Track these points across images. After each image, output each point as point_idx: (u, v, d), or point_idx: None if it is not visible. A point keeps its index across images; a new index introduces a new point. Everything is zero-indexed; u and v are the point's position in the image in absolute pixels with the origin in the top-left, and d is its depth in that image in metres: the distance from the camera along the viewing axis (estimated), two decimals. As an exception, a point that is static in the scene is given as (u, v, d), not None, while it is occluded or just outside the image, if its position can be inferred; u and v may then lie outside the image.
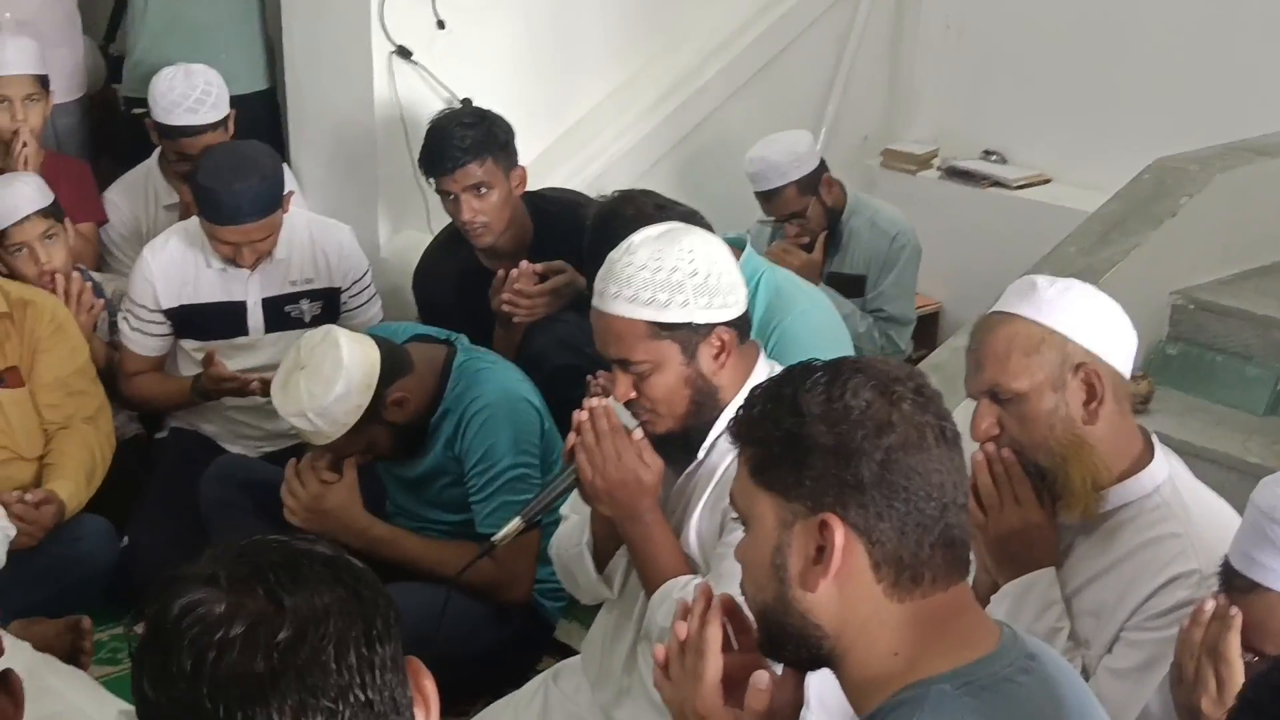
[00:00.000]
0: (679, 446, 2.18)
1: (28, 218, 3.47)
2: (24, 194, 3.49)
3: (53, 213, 3.53)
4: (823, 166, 4.13)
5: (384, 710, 1.05)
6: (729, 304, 2.13)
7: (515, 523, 2.24)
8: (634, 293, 2.08)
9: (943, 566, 1.37)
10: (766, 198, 4.11)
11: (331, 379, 2.70)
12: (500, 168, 3.45)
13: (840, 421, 1.35)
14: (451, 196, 3.44)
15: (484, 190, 3.42)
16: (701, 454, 2.17)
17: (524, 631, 2.99)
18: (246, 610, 1.03)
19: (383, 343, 2.84)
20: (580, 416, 2.17)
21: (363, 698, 1.04)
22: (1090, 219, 3.69)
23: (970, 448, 1.91)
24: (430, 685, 1.13)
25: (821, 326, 3.04)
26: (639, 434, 2.16)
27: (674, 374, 2.11)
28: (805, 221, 4.08)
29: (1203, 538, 1.91)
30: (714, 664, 1.51)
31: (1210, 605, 1.72)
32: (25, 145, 3.79)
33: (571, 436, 2.18)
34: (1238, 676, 1.69)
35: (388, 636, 1.07)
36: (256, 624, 1.03)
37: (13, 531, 2.87)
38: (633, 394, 2.14)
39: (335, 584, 1.07)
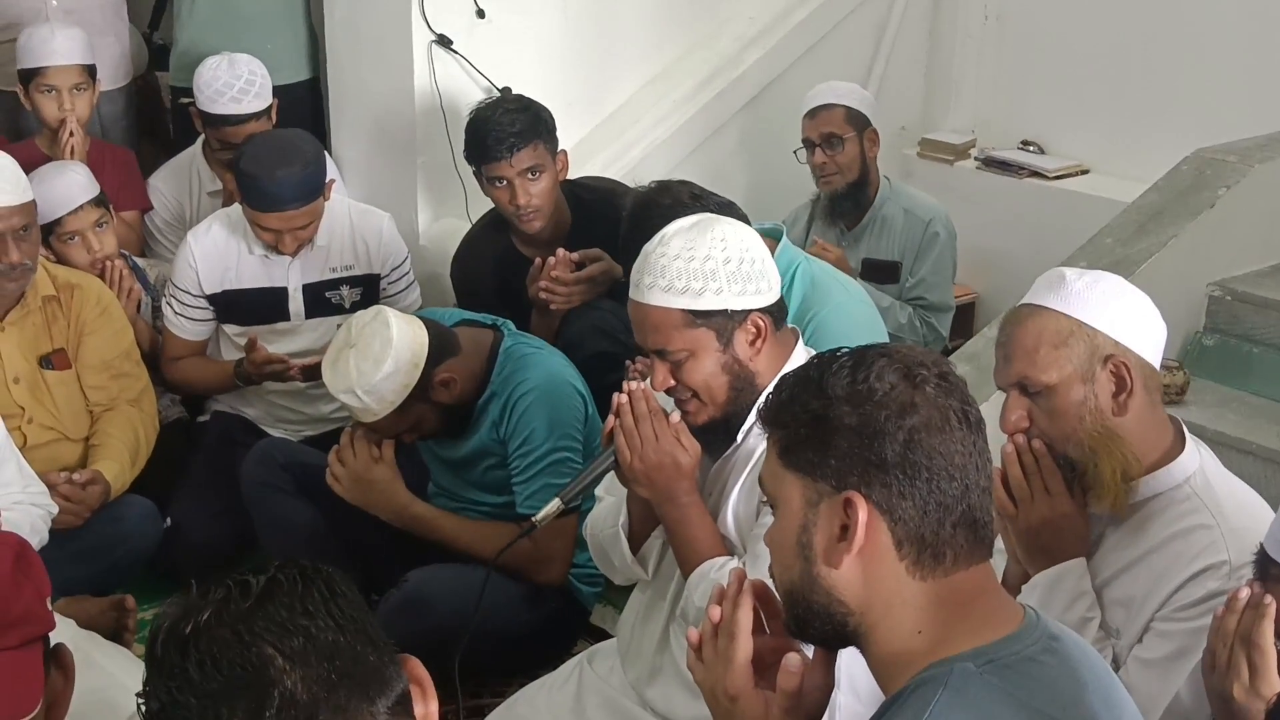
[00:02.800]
0: (718, 432, 2.21)
1: (81, 207, 3.53)
2: (76, 183, 3.55)
3: (102, 202, 3.60)
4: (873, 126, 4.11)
5: (365, 654, 1.15)
6: (763, 290, 2.16)
7: (555, 504, 2.28)
8: (669, 282, 2.12)
9: (965, 546, 1.39)
10: (813, 114, 4.06)
11: (380, 357, 2.75)
12: (548, 151, 3.49)
13: (864, 402, 1.38)
14: (504, 183, 3.45)
15: (536, 174, 3.45)
16: (739, 438, 2.20)
17: (559, 615, 3.02)
18: (211, 598, 1.16)
19: (431, 324, 2.89)
20: (619, 399, 2.21)
21: (344, 639, 1.14)
22: (1128, 210, 3.68)
23: (999, 440, 1.93)
24: (423, 672, 1.21)
25: (858, 318, 3.06)
26: (677, 417, 2.19)
27: (711, 361, 2.14)
28: (838, 152, 4.03)
29: (1233, 528, 1.92)
30: (744, 646, 1.54)
31: (1244, 593, 1.73)
32: (72, 134, 3.84)
33: (610, 419, 2.22)
34: (1270, 664, 1.70)
35: (355, 600, 1.19)
36: (224, 600, 1.15)
37: (55, 509, 2.93)
38: (671, 382, 2.17)
39: (290, 567, 1.19)
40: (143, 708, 1.15)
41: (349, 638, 1.14)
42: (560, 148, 3.55)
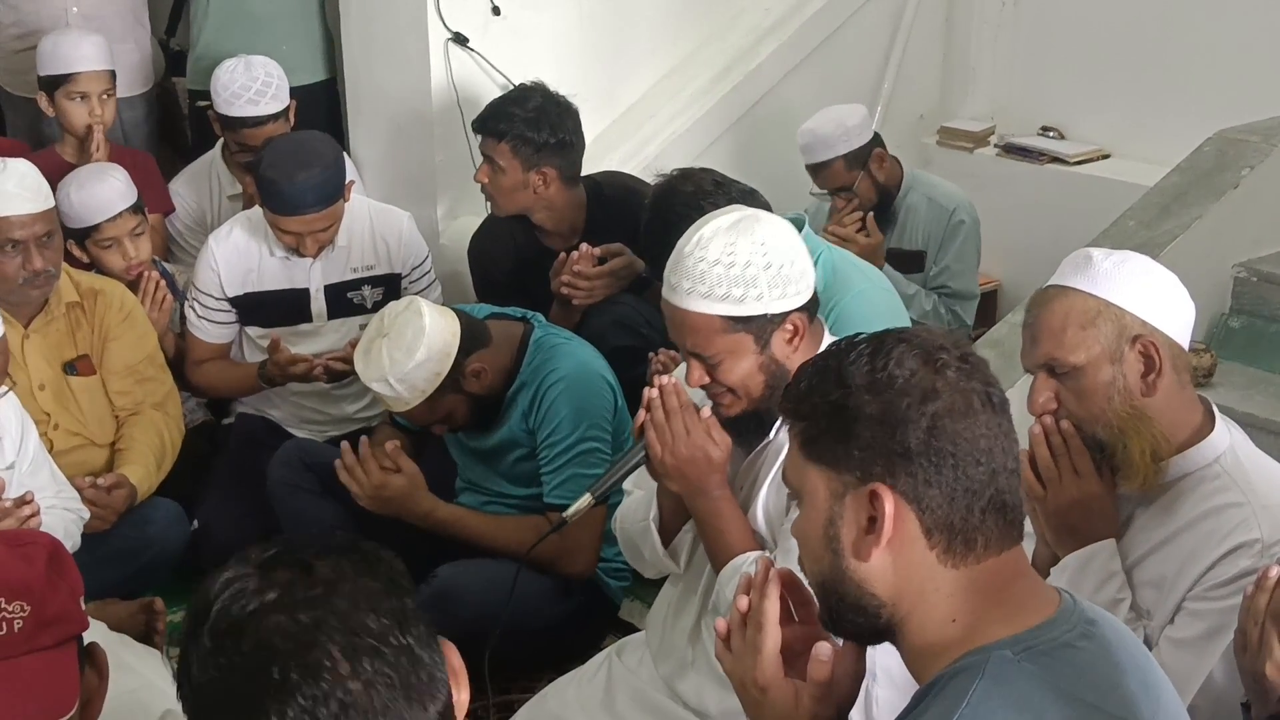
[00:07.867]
0: (750, 424, 2.19)
1: (121, 214, 3.54)
2: (117, 189, 3.56)
3: (139, 208, 3.62)
4: (876, 141, 4.11)
5: (423, 657, 1.11)
6: (801, 290, 2.13)
7: (586, 499, 2.27)
8: (708, 289, 2.07)
9: (995, 531, 1.37)
10: (815, 170, 4.10)
11: (413, 346, 2.77)
12: (517, 158, 3.47)
13: (885, 390, 1.36)
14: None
15: (494, 168, 3.49)
16: (771, 433, 2.18)
17: (587, 609, 3.03)
18: (276, 579, 1.11)
19: (462, 315, 2.92)
20: (650, 393, 2.19)
21: (405, 641, 1.10)
22: (1151, 192, 3.67)
23: (1027, 422, 1.92)
24: (459, 660, 1.19)
25: (880, 306, 3.04)
26: (708, 411, 2.18)
27: (749, 362, 2.12)
28: (853, 195, 4.05)
29: (1265, 506, 1.91)
30: (772, 636, 1.52)
31: (1275, 571, 1.72)
32: (99, 141, 3.86)
33: (641, 413, 2.20)
34: None
35: (409, 592, 1.14)
36: (290, 585, 1.10)
37: (86, 514, 2.95)
38: (707, 380, 2.15)
39: (351, 551, 1.14)
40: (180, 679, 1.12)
41: (407, 639, 1.10)
42: (555, 166, 3.48)
